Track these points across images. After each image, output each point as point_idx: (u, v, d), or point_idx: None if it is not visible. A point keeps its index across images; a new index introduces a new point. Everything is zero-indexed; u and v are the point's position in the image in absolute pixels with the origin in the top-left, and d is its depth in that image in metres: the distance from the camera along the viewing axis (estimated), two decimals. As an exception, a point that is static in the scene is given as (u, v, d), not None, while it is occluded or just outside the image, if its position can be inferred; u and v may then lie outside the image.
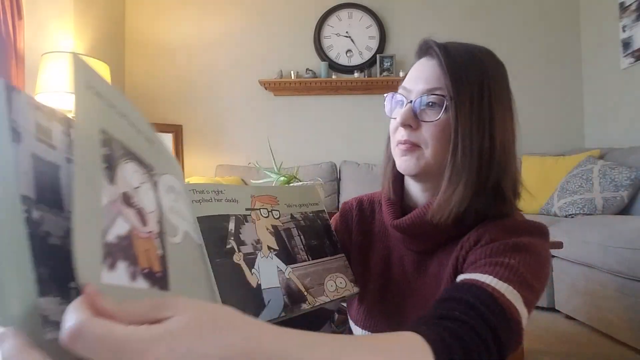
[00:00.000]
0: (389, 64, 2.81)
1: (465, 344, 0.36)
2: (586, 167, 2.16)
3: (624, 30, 2.43)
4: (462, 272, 0.50)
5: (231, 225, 0.53)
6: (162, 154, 0.39)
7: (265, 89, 2.88)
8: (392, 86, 2.80)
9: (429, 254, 0.60)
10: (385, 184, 0.64)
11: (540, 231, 0.53)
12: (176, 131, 2.83)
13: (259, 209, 0.58)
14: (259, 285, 0.51)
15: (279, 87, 2.82)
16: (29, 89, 2.05)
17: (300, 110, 2.94)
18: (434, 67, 0.56)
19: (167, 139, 2.80)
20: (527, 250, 0.49)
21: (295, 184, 1.14)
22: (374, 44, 2.88)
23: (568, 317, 1.82)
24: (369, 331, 0.62)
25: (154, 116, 2.86)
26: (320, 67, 2.82)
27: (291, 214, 0.62)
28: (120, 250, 0.28)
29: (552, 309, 1.91)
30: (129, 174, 0.31)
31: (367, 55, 2.88)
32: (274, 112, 2.94)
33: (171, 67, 2.93)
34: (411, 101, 0.56)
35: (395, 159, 0.59)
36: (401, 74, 2.79)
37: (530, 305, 0.45)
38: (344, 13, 2.90)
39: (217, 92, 2.94)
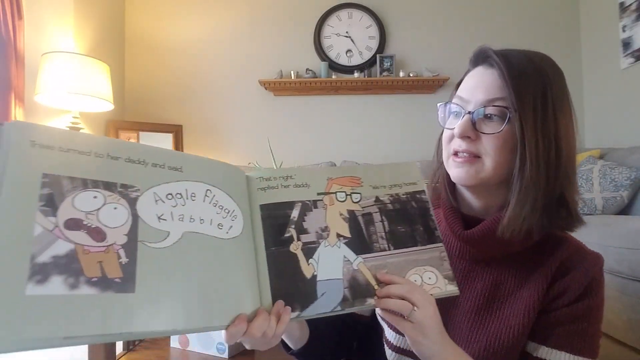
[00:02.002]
0: (389, 64, 2.80)
1: None
2: (586, 167, 2.16)
3: (624, 30, 2.43)
4: (546, 323, 0.54)
5: (294, 213, 0.51)
6: (167, 165, 0.46)
7: (265, 89, 2.88)
8: (392, 86, 2.80)
9: (482, 265, 0.59)
10: (442, 192, 0.62)
11: (602, 267, 0.57)
12: (176, 131, 2.83)
13: (335, 193, 0.54)
14: (314, 277, 0.48)
15: (279, 87, 2.82)
16: (29, 89, 2.05)
17: (300, 110, 2.94)
18: (493, 76, 0.53)
19: (167, 139, 2.80)
20: (599, 307, 0.54)
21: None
22: (374, 44, 2.88)
23: (568, 317, 1.82)
24: (397, 333, 0.61)
25: (154, 116, 2.85)
26: (320, 67, 2.82)
27: (376, 197, 0.55)
28: (56, 267, 0.35)
29: (552, 309, 1.91)
30: (84, 201, 0.39)
31: (367, 55, 2.87)
32: (274, 112, 2.94)
33: (171, 67, 2.93)
34: (469, 112, 0.54)
35: (449, 170, 0.58)
36: (401, 74, 2.78)
37: (597, 350, 0.54)
38: (344, 13, 2.90)
39: (217, 92, 2.93)
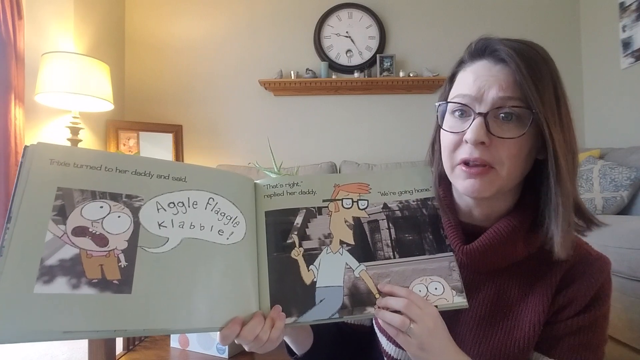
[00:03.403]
0: (389, 64, 2.81)
1: None
2: (586, 167, 2.16)
3: (624, 30, 2.43)
4: (551, 334, 0.52)
5: (298, 219, 0.51)
6: (171, 175, 0.49)
7: (265, 89, 2.88)
8: (392, 86, 2.80)
9: (485, 275, 0.55)
10: (439, 202, 0.56)
11: (609, 272, 0.54)
12: (176, 131, 2.83)
13: (341, 200, 0.53)
14: (313, 283, 0.48)
15: (279, 87, 2.82)
16: (29, 89, 2.05)
17: (300, 110, 2.94)
18: (503, 72, 0.47)
19: (167, 139, 2.80)
20: (605, 315, 0.53)
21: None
22: (374, 44, 2.88)
23: (568, 317, 1.81)
24: (396, 347, 0.59)
25: (154, 116, 2.85)
26: (320, 67, 2.82)
27: (384, 203, 0.54)
28: (61, 269, 0.40)
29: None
30: (91, 211, 0.44)
31: (367, 55, 2.87)
32: (274, 112, 2.94)
33: (171, 67, 2.93)
34: (481, 113, 0.47)
35: (457, 181, 0.51)
36: (401, 74, 2.78)
37: (602, 358, 0.52)
38: (344, 13, 2.90)
39: (217, 92, 2.93)
